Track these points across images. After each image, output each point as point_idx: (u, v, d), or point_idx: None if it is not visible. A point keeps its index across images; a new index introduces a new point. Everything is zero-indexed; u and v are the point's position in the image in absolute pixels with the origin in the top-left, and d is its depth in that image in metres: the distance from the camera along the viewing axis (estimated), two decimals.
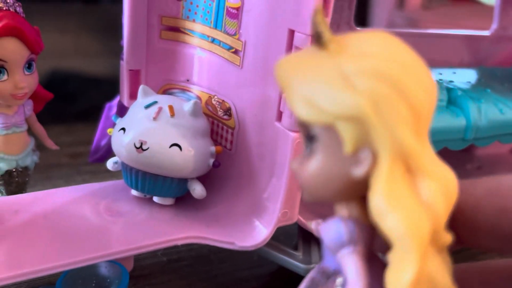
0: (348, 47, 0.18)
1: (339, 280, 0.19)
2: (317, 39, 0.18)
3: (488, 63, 0.54)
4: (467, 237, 0.20)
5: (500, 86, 0.43)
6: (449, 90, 0.38)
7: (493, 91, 0.40)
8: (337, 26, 0.44)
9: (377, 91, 0.17)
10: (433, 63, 0.51)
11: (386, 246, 0.18)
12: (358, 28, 0.47)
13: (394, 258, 0.17)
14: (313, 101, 0.17)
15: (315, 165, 0.19)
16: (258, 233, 0.33)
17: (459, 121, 0.36)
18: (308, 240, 0.37)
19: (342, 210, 0.19)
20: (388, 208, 0.17)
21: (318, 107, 0.17)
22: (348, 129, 0.17)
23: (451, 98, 0.37)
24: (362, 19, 0.99)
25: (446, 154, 0.39)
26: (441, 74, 0.44)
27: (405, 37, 0.51)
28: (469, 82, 0.43)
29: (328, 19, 0.28)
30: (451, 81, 0.41)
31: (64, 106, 0.68)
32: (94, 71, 0.79)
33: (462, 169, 0.49)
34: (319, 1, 0.27)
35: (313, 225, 0.24)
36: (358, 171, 0.18)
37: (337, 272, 0.20)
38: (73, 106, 0.73)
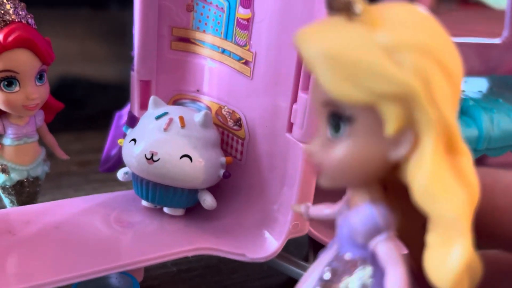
0: (383, 18, 0.16)
1: (369, 269, 0.18)
2: (348, 8, 0.16)
3: (499, 71, 0.53)
4: (496, 232, 0.20)
5: None
6: (461, 100, 0.37)
7: (505, 101, 0.39)
8: None
9: (424, 67, 0.16)
10: None
11: None
12: None
13: (437, 241, 0.16)
14: (352, 78, 0.16)
15: (347, 150, 0.17)
16: (268, 245, 0.33)
17: (471, 132, 0.36)
18: (318, 251, 0.37)
19: (364, 195, 0.18)
20: (435, 190, 0.16)
21: (359, 85, 0.16)
22: (393, 109, 0.16)
23: (463, 108, 0.37)
24: None
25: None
26: None
27: None
28: (481, 91, 0.42)
29: None
30: (462, 91, 0.41)
31: (72, 111, 0.68)
32: (102, 77, 0.79)
33: None
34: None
35: (302, 208, 0.23)
36: (397, 154, 0.17)
37: (363, 260, 0.19)
38: (82, 111, 0.73)
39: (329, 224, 0.36)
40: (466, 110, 0.37)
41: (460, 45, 0.51)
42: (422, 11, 0.17)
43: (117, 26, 0.78)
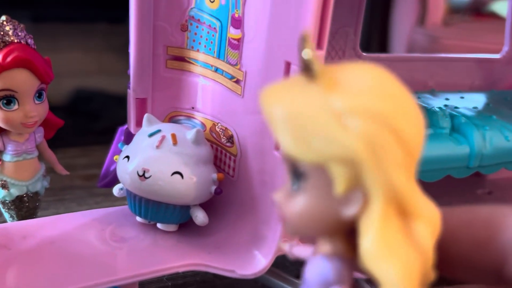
0: (339, 82, 0.17)
1: None
2: (306, 70, 0.17)
3: (500, 86, 0.53)
4: (442, 267, 0.20)
5: (508, 111, 0.42)
6: (452, 117, 0.37)
7: (499, 117, 0.39)
8: (342, 52, 0.45)
9: (371, 132, 0.16)
10: (442, 87, 0.51)
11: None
12: (364, 54, 0.47)
13: None
14: (304, 139, 0.17)
15: (302, 204, 0.18)
16: (258, 261, 0.33)
17: (463, 149, 0.36)
18: None
19: (326, 245, 0.19)
20: (381, 254, 0.16)
21: (309, 146, 0.17)
22: (341, 170, 0.16)
23: (454, 126, 0.37)
24: (382, 36, 0.99)
25: (456, 179, 0.39)
26: (447, 99, 0.44)
27: (415, 61, 0.51)
28: (476, 107, 0.42)
29: (324, 48, 0.28)
30: (456, 108, 0.41)
31: (87, 123, 0.69)
32: (117, 90, 0.80)
33: (472, 194, 0.48)
34: (310, 28, 0.27)
35: (286, 248, 0.23)
36: (348, 212, 0.17)
37: None
38: (97, 124, 0.74)
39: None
40: (458, 128, 0.37)
41: (460, 61, 0.51)
42: (380, 74, 0.18)
43: None
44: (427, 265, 0.17)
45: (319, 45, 0.28)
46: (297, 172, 0.18)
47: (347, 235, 0.19)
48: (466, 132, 0.36)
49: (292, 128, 0.17)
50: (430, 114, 0.37)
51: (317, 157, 0.17)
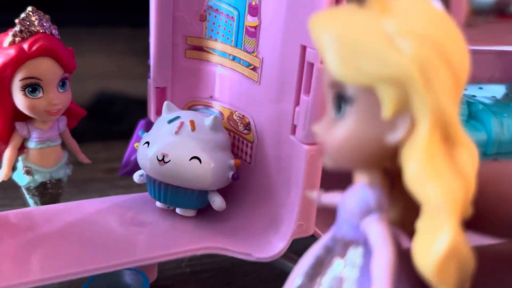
0: (391, 6, 0.17)
1: (360, 250, 0.19)
2: None
3: None
4: (469, 222, 0.20)
5: None
6: (469, 104, 0.37)
7: None
8: None
9: (424, 55, 0.16)
10: None
11: None
12: None
13: (425, 227, 0.16)
14: (354, 60, 0.16)
15: (346, 130, 0.18)
16: (274, 245, 0.34)
17: (480, 136, 0.36)
18: None
19: (364, 177, 0.19)
20: (426, 175, 0.16)
21: (359, 67, 0.16)
22: (391, 92, 0.16)
23: (471, 113, 0.37)
24: None
25: None
26: (465, 89, 0.44)
27: None
28: (494, 96, 0.42)
29: None
30: (473, 96, 0.41)
31: (109, 125, 0.71)
32: (139, 93, 0.82)
33: None
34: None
35: (315, 195, 0.23)
36: (394, 137, 0.17)
37: (355, 241, 0.19)
38: (118, 125, 0.76)
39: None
40: (475, 115, 0.37)
41: (480, 53, 0.51)
42: (433, 5, 0.18)
43: None
44: (469, 195, 0.17)
45: None
46: (343, 97, 0.18)
47: (383, 170, 0.19)
48: (484, 119, 0.36)
49: (343, 50, 0.17)
50: None
51: (368, 78, 0.16)
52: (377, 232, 0.18)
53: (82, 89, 0.66)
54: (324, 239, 0.20)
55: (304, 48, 0.30)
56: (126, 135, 0.66)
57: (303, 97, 0.31)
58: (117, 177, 0.58)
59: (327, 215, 0.34)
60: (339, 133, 0.18)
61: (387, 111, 0.16)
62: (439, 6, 0.18)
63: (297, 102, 0.32)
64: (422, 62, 0.16)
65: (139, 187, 0.41)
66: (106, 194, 0.54)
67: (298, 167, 0.32)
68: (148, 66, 0.40)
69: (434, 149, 0.16)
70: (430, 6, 0.18)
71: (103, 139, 0.67)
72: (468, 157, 0.17)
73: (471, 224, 0.19)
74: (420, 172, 0.16)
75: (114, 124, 0.74)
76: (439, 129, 0.17)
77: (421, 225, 0.17)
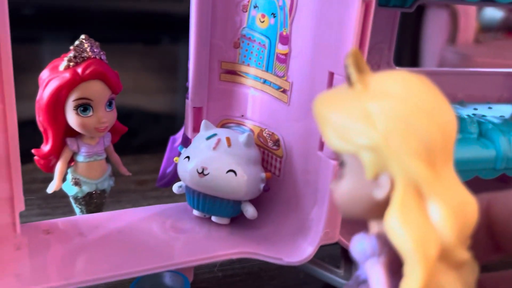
0: (372, 88, 0.21)
1: None
2: (347, 79, 0.22)
3: None
4: (505, 246, 0.23)
5: None
6: (480, 124, 0.41)
7: None
8: (378, 66, 0.49)
9: (391, 128, 0.20)
10: (471, 99, 0.55)
11: None
12: (397, 68, 0.51)
13: (406, 271, 0.20)
14: (341, 134, 0.21)
15: (343, 187, 0.22)
16: (303, 250, 0.38)
17: (490, 153, 0.39)
18: (349, 259, 0.41)
19: (374, 226, 0.23)
20: (398, 226, 0.20)
21: (345, 139, 0.21)
22: (368, 158, 0.20)
23: (482, 131, 0.41)
24: (414, 54, 1.02)
25: (489, 185, 0.42)
26: (476, 109, 0.48)
27: (446, 75, 0.55)
28: (503, 116, 0.46)
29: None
30: (483, 116, 0.45)
31: (126, 139, 0.75)
32: (153, 108, 0.85)
33: None
34: (354, 45, 0.32)
35: None
36: (379, 194, 0.21)
37: (365, 281, 0.23)
38: (135, 140, 0.80)
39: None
40: (485, 133, 0.41)
41: (488, 74, 0.54)
42: (411, 81, 0.21)
43: (168, 60, 0.84)
44: (448, 243, 0.20)
45: None
46: (341, 161, 0.22)
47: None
48: (493, 137, 0.40)
49: (335, 129, 0.21)
50: (459, 120, 0.41)
51: (351, 147, 0.21)
52: (373, 274, 0.22)
53: None
54: (350, 281, 0.24)
55: (331, 75, 0.34)
56: (150, 148, 0.70)
57: None
58: (148, 188, 0.62)
59: (351, 225, 0.37)
60: (339, 189, 0.22)
61: (368, 172, 0.21)
62: (417, 81, 0.21)
63: None
64: (390, 134, 0.20)
65: (169, 198, 0.45)
66: (139, 204, 0.57)
67: (325, 180, 0.36)
68: (186, 88, 0.44)
69: (408, 204, 0.20)
70: (407, 83, 0.21)
71: (131, 153, 0.70)
72: (442, 210, 0.20)
73: (505, 246, 0.23)
74: (395, 223, 0.20)
75: (132, 138, 0.78)
76: (411, 187, 0.20)
77: (405, 269, 0.20)
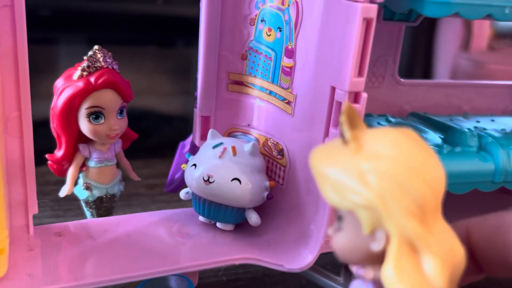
0: (365, 147, 0.23)
1: None
2: (342, 137, 0.23)
3: None
4: (485, 269, 0.24)
5: None
6: (480, 137, 0.42)
7: None
8: (382, 78, 0.50)
9: (385, 188, 0.21)
10: (476, 111, 0.55)
11: None
12: (403, 80, 0.52)
13: None
14: (338, 191, 0.22)
15: (341, 239, 0.23)
16: (303, 257, 0.39)
17: (489, 166, 0.40)
18: (349, 268, 0.42)
19: (369, 272, 0.24)
20: (394, 278, 0.21)
21: (342, 196, 0.22)
22: (365, 215, 0.22)
23: (481, 145, 0.41)
24: (427, 62, 1.02)
25: (487, 198, 0.43)
26: (478, 122, 0.48)
27: (452, 87, 0.56)
28: (504, 129, 0.46)
29: (364, 75, 0.34)
30: (484, 129, 0.45)
31: (139, 141, 0.76)
32: (166, 109, 0.86)
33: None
34: (352, 57, 0.32)
35: (354, 270, 0.27)
36: (376, 247, 0.22)
37: None
38: (148, 141, 0.81)
39: None
40: (485, 146, 0.41)
41: (494, 87, 0.55)
42: (402, 141, 0.23)
43: (182, 63, 0.85)
44: None
45: (360, 73, 0.34)
46: (338, 216, 0.24)
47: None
48: (492, 151, 0.41)
49: (331, 185, 0.22)
50: (459, 134, 0.42)
51: (348, 204, 0.22)
52: None
53: None
54: None
55: (333, 89, 0.35)
56: (161, 151, 0.71)
57: (331, 129, 0.36)
58: (157, 192, 0.63)
59: None
60: (337, 241, 0.24)
61: (365, 228, 0.22)
62: (407, 140, 0.23)
63: (326, 133, 0.37)
64: (384, 195, 0.21)
65: (178, 202, 0.46)
66: (148, 208, 0.59)
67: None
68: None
69: (403, 258, 0.21)
70: (399, 144, 0.23)
71: (142, 157, 0.72)
72: (434, 262, 0.21)
73: (489, 271, 0.24)
74: (391, 276, 0.21)
75: (145, 140, 0.79)
76: (405, 242, 0.22)
77: None
